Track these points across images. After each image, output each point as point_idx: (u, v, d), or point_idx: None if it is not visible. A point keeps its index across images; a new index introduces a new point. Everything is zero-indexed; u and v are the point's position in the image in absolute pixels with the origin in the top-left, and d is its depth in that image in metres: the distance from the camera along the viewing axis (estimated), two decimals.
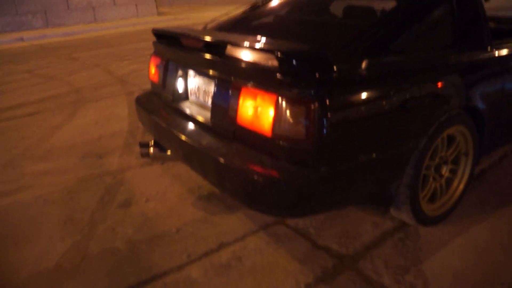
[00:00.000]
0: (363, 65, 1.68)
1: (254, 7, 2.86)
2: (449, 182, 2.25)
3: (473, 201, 2.42)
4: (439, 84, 1.92)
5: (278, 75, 1.61)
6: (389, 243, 2.09)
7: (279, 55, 1.58)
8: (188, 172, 2.85)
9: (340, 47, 1.78)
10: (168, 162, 3.04)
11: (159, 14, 16.32)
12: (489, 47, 2.23)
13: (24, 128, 4.07)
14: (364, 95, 1.66)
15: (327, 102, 1.53)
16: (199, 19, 14.29)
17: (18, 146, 3.60)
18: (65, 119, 4.27)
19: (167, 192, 2.68)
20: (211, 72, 2.01)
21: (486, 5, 2.29)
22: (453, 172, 2.24)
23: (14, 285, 1.92)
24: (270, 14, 2.77)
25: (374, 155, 1.72)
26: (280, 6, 2.84)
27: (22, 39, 11.65)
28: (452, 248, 2.04)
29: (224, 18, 2.80)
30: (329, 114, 1.54)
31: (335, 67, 1.61)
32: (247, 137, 1.78)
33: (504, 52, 2.31)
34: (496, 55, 2.27)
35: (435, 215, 2.18)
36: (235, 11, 2.91)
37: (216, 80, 1.96)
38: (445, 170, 2.19)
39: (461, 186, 2.26)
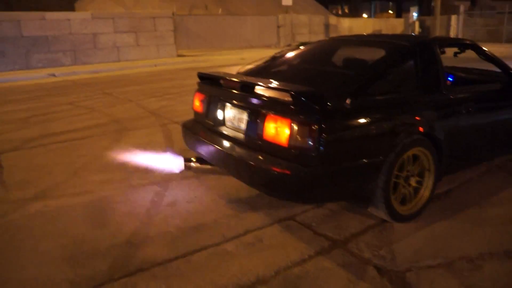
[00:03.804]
0: (347, 102, 2.53)
1: (272, 59, 3.79)
2: (417, 190, 3.02)
3: (437, 208, 3.19)
4: (401, 117, 2.77)
5: (291, 107, 2.46)
6: (370, 232, 2.86)
7: (293, 94, 2.44)
8: (218, 184, 3.67)
9: (334, 89, 2.65)
10: (202, 176, 3.85)
11: (178, 55, 17.62)
12: (443, 91, 3.06)
13: (79, 148, 4.94)
14: (347, 122, 2.52)
15: (323, 125, 2.38)
16: (215, 61, 15.52)
17: (77, 162, 4.45)
18: (112, 142, 5.15)
19: (203, 197, 3.48)
20: (244, 104, 2.87)
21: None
22: (419, 183, 3.02)
23: (99, 250, 2.71)
24: (284, 64, 3.70)
25: (355, 162, 2.54)
26: (292, 58, 3.78)
27: (54, 75, 12.82)
28: (415, 235, 2.81)
29: (251, 66, 3.72)
30: (324, 133, 2.38)
31: (328, 103, 2.45)
32: (269, 148, 2.62)
33: (456, 95, 3.15)
34: (450, 97, 3.10)
35: (407, 214, 2.95)
36: (258, 61, 3.83)
37: (248, 110, 2.82)
38: (413, 181, 2.97)
39: (426, 194, 3.04)
